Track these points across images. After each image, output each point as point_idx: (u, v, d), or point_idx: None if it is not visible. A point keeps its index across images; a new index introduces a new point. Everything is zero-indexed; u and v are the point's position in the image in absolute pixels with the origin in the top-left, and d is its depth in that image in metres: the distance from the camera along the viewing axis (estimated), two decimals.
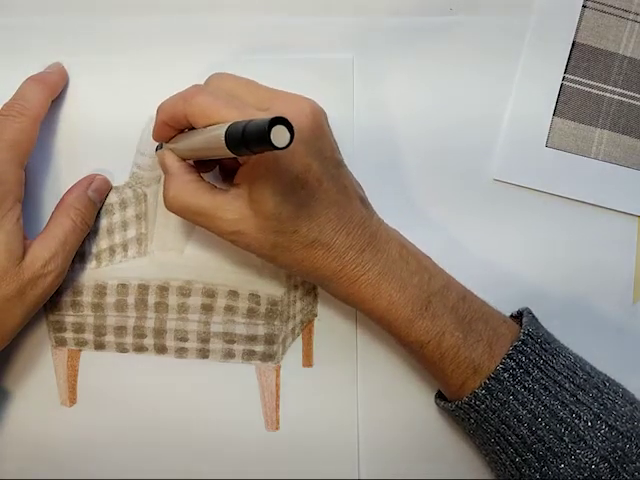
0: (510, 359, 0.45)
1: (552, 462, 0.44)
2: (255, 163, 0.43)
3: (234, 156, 0.40)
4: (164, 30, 0.51)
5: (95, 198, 0.49)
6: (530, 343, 0.45)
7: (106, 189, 0.50)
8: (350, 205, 0.45)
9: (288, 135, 0.36)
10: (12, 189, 0.45)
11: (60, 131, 0.50)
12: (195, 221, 0.45)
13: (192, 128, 0.45)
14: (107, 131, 0.50)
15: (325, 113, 0.45)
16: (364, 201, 0.47)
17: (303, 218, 0.44)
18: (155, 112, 0.46)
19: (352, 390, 0.52)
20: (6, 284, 0.45)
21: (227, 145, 0.38)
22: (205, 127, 0.43)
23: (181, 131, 0.46)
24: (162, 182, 0.51)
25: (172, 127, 0.46)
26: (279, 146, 0.35)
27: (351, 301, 0.47)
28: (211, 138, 0.41)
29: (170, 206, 0.46)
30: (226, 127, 0.39)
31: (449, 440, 0.53)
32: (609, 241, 0.53)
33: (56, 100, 0.50)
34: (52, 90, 0.49)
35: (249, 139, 0.37)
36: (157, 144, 0.49)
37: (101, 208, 0.50)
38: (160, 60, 0.50)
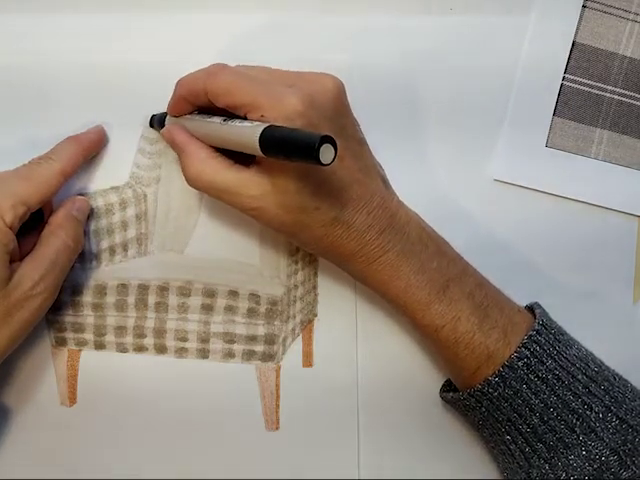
0: (525, 348, 0.45)
1: (562, 453, 0.44)
2: None
3: (261, 155, 0.39)
4: (163, 29, 0.50)
5: (80, 217, 0.48)
6: (545, 333, 0.46)
7: (87, 209, 0.50)
8: (371, 184, 0.45)
9: (333, 152, 0.36)
10: None
11: (58, 132, 0.50)
12: (219, 197, 0.45)
13: (210, 106, 0.44)
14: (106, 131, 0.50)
15: (345, 90, 0.45)
16: (385, 181, 0.47)
17: (324, 195, 0.43)
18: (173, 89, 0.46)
19: (352, 390, 0.52)
20: None
21: (262, 149, 0.38)
22: (229, 118, 0.42)
23: (195, 110, 0.46)
24: (162, 182, 0.51)
25: (190, 102, 0.45)
26: (325, 163, 0.36)
27: (368, 282, 0.47)
28: (241, 136, 0.41)
29: (194, 184, 0.45)
30: (261, 129, 0.38)
31: (450, 440, 0.53)
32: (609, 241, 0.53)
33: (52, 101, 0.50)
34: (84, 147, 0.48)
35: (291, 149, 0.37)
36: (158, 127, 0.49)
37: (101, 209, 0.50)
38: (159, 60, 0.50)
